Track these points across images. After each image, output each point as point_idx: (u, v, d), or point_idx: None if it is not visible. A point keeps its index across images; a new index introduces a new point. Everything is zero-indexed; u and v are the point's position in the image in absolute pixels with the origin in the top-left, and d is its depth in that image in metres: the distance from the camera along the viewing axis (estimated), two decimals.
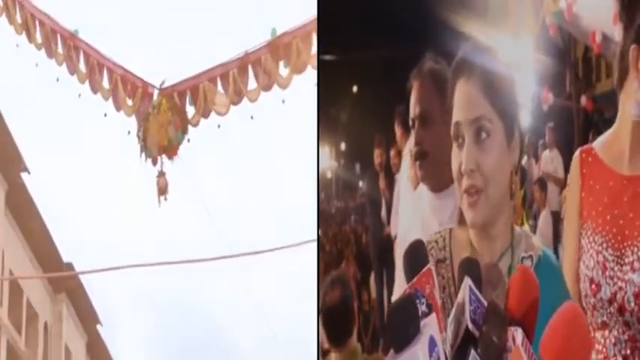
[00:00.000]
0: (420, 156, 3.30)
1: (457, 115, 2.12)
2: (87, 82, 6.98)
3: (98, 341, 18.44)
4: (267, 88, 6.60)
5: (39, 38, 7.37)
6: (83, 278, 15.77)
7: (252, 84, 6.63)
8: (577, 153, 2.35)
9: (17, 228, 15.30)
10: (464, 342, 1.68)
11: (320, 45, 7.62)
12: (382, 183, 8.22)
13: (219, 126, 6.52)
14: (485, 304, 1.73)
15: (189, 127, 6.43)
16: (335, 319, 3.86)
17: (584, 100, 10.17)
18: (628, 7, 2.14)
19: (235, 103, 6.40)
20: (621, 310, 2.10)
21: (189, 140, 6.27)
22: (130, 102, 6.55)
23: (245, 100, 6.52)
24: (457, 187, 2.11)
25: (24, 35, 7.48)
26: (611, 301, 2.12)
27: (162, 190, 6.27)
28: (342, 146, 14.98)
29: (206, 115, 6.43)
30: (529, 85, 8.68)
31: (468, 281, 1.74)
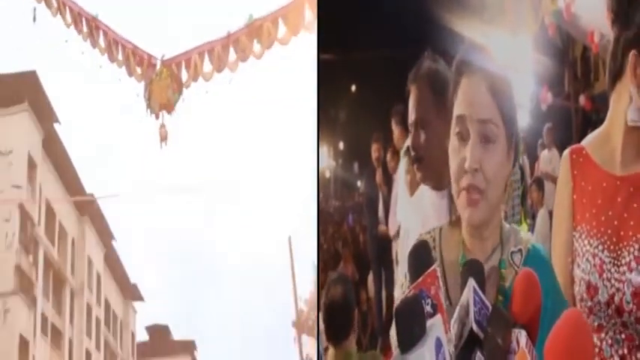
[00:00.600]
0: (418, 160, 3.31)
1: (462, 109, 2.11)
2: (106, 55, 8.86)
3: (113, 253, 23.94)
4: (244, 59, 8.29)
5: (69, 19, 9.16)
6: (101, 204, 21.27)
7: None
8: (567, 153, 2.32)
9: (51, 167, 19.79)
10: (468, 343, 1.68)
11: (319, 44, 7.64)
12: (379, 180, 8.21)
13: (207, 92, 8.31)
14: (489, 305, 1.73)
15: (184, 89, 8.22)
16: (335, 316, 3.87)
17: (582, 99, 10.17)
18: (625, 10, 2.12)
19: (219, 71, 8.13)
20: (619, 311, 2.09)
21: (183, 100, 8.09)
22: (139, 70, 8.34)
23: (226, 69, 8.32)
24: (454, 183, 2.10)
25: (59, 17, 9.19)
26: (608, 304, 2.10)
27: (163, 138, 8.14)
28: (341, 145, 14.96)
29: (196, 79, 8.15)
30: (528, 85, 8.67)
31: (472, 283, 1.74)
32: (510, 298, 1.79)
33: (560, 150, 9.37)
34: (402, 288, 2.13)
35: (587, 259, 2.15)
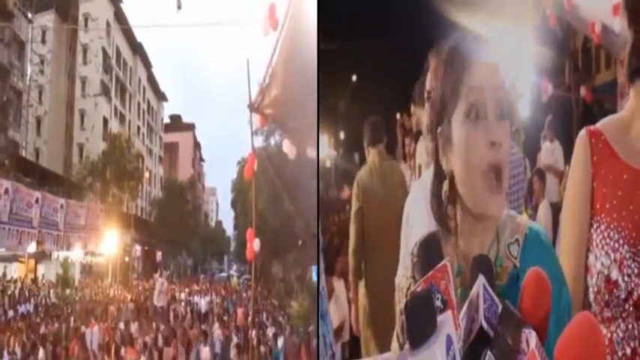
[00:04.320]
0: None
1: (475, 80, 2.00)
2: None
3: (151, 74, 42.70)
4: None
5: None
6: (141, 36, 39.26)
7: None
8: (584, 134, 2.24)
9: (118, 25, 36.01)
10: (477, 340, 1.67)
11: (320, 34, 7.61)
12: None
13: None
14: (499, 303, 1.71)
15: None
16: None
17: (583, 90, 10.15)
18: None
19: None
20: (637, 306, 2.07)
21: None
22: None
23: None
24: (471, 171, 1.98)
25: None
26: (627, 299, 2.09)
27: (179, 6, 21.36)
28: (342, 135, 14.93)
29: None
30: (528, 76, 8.65)
31: (482, 279, 1.71)
32: (519, 297, 1.74)
33: (562, 142, 9.38)
34: (405, 277, 2.10)
35: (606, 253, 2.13)
